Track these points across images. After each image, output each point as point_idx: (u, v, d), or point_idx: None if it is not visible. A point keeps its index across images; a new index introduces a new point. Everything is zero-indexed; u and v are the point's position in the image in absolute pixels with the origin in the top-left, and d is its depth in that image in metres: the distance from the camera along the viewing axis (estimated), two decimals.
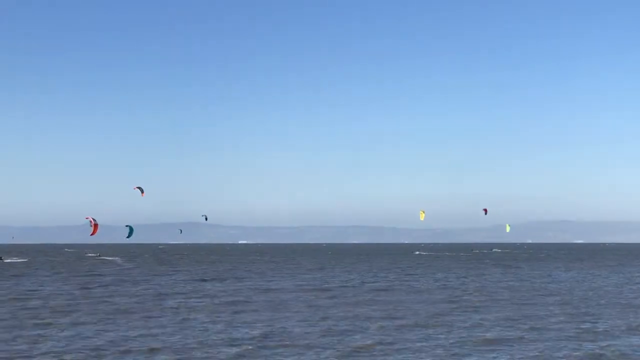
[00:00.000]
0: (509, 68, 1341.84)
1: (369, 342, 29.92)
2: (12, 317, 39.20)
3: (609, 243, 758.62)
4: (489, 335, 31.75)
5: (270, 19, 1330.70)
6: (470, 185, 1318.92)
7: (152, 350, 28.23)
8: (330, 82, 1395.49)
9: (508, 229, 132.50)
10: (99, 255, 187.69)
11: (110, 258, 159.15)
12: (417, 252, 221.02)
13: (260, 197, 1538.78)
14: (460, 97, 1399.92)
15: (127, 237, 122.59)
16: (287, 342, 29.96)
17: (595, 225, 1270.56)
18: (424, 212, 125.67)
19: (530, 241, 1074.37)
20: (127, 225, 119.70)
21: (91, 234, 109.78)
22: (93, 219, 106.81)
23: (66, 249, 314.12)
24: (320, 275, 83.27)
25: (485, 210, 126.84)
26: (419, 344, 29.38)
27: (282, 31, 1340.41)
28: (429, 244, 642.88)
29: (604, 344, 29.48)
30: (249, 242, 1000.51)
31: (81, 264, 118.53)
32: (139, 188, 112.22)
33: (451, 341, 30.04)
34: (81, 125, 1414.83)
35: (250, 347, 28.81)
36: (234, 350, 28.20)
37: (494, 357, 26.80)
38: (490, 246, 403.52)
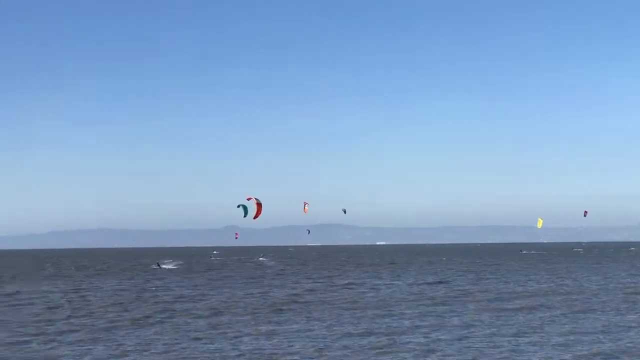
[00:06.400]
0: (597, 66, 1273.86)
1: None
2: None
3: None
4: None
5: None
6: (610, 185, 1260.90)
7: None
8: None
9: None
10: (263, 256, 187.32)
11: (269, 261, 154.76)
12: (524, 252, 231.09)
13: (395, 197, 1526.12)
14: (562, 97, 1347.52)
15: (244, 216, 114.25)
16: None
17: None
18: (541, 219, 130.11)
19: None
20: (240, 205, 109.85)
21: (255, 217, 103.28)
22: (256, 199, 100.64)
23: (214, 252, 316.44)
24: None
25: (585, 213, 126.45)
26: None
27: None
28: (564, 243, 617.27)
29: None
30: (387, 243, 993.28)
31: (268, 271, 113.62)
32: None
33: None
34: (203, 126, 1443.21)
35: None
36: None
37: None
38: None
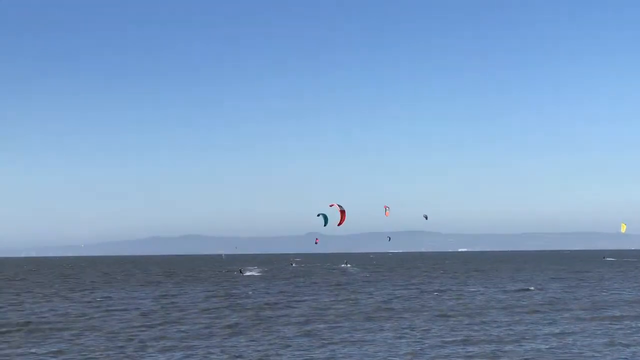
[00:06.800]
0: None
1: None
2: None
3: None
4: None
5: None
6: None
7: None
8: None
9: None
10: (346, 263, 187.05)
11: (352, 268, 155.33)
12: (608, 258, 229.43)
13: (476, 204, 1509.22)
14: None
15: (324, 225, 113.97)
16: None
17: None
18: (625, 224, 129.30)
19: None
20: (320, 214, 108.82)
21: (339, 224, 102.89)
22: (339, 205, 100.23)
23: (296, 258, 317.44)
24: None
25: None
26: None
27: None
28: None
29: None
30: (468, 249, 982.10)
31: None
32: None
33: None
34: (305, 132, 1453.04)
35: None
36: None
37: None
38: None
